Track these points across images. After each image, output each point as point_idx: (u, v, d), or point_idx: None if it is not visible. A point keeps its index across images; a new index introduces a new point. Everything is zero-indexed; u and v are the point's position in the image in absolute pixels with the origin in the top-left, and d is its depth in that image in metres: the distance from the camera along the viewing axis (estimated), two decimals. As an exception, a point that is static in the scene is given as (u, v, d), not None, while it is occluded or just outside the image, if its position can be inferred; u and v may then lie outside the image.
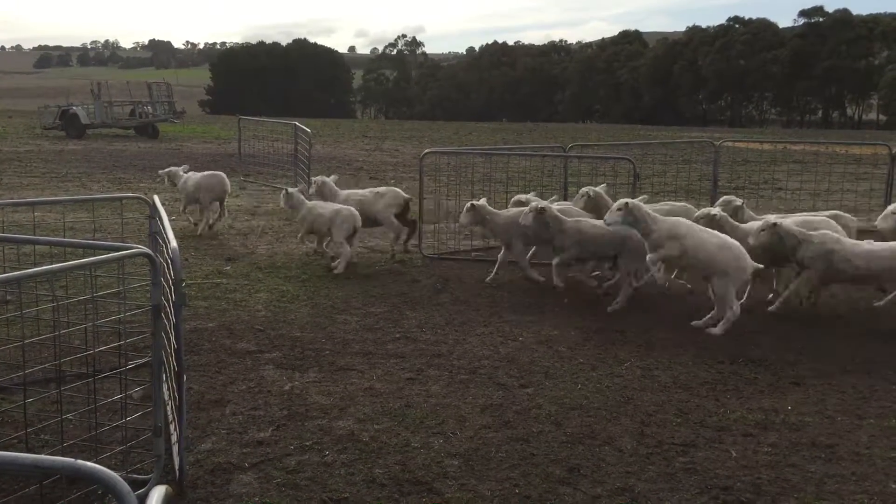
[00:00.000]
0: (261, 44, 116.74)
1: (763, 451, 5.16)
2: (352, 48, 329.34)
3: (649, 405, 5.89)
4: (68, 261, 4.20)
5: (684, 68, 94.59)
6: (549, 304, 8.58)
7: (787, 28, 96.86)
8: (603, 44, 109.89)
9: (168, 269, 4.57)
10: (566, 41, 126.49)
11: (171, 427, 4.77)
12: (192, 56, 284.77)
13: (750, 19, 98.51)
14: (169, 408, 4.88)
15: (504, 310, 8.36)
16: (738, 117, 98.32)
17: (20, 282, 3.99)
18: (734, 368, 6.75)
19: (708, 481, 4.74)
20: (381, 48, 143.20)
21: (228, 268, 9.83)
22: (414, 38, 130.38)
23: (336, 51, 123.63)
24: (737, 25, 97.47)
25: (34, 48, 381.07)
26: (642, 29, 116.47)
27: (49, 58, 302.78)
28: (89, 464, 1.72)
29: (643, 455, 5.06)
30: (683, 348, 7.24)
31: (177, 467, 4.49)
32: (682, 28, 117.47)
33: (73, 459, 1.76)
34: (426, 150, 12.53)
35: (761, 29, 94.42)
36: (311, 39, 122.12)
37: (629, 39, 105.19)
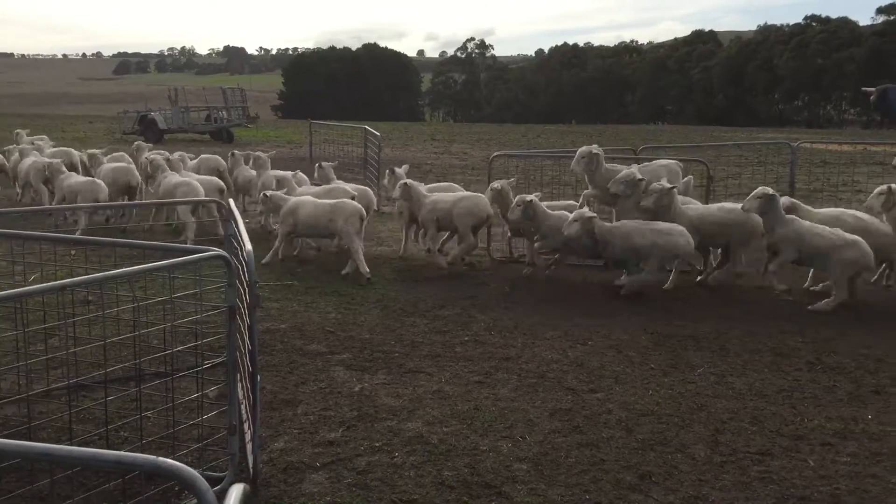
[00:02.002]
0: (332, 49, 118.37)
1: (842, 462, 5.01)
2: (421, 52, 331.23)
3: (723, 412, 5.77)
4: (147, 262, 4.33)
5: (759, 68, 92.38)
6: (619, 309, 8.47)
7: (867, 26, 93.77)
8: (675, 44, 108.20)
9: (243, 271, 4.67)
10: (637, 41, 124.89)
11: (245, 426, 4.87)
12: (266, 62, 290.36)
13: (827, 17, 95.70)
14: (243, 407, 4.98)
15: (573, 314, 8.29)
16: (816, 118, 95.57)
17: (102, 283, 4.12)
18: (812, 376, 6.57)
19: (784, 491, 4.62)
20: (450, 51, 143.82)
21: (300, 270, 9.98)
22: (483, 40, 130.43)
23: (405, 54, 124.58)
24: (813, 24, 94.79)
25: (114, 55, 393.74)
26: (715, 28, 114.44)
27: (128, 64, 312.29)
28: (170, 461, 1.77)
29: (717, 463, 4.96)
30: (759, 355, 7.07)
31: (250, 465, 4.58)
32: (755, 27, 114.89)
33: (154, 457, 1.81)
34: (495, 153, 12.53)
35: (839, 27, 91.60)
36: (382, 44, 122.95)
37: (702, 39, 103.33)
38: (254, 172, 13.41)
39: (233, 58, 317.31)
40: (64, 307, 5.62)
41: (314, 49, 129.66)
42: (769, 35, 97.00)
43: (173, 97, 34.74)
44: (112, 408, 4.93)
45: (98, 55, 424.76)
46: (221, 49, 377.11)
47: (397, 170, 11.36)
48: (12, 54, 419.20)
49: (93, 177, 12.78)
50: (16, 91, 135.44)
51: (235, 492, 1.77)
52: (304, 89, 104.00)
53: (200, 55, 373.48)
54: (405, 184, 10.26)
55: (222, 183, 12.60)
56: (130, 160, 14.56)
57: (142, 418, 4.64)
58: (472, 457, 4.97)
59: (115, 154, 15.23)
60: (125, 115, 36.22)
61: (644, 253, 8.70)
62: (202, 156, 14.19)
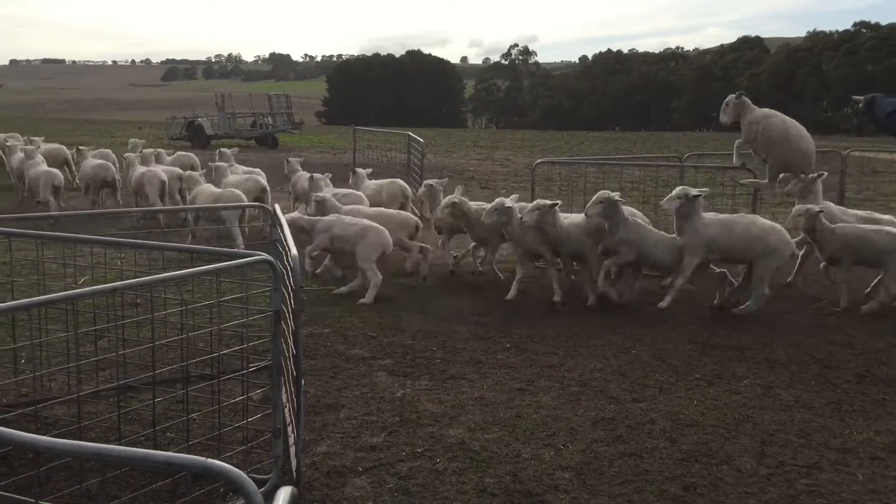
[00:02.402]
0: (376, 55, 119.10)
1: (892, 476, 4.89)
2: (464, 58, 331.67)
3: (770, 424, 5.67)
4: (194, 266, 4.39)
5: (807, 74, 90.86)
6: (663, 318, 8.39)
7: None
8: (721, 50, 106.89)
9: (288, 276, 4.72)
10: (682, 48, 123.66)
11: (289, 429, 4.91)
12: (311, 68, 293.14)
13: (877, 24, 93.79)
14: (287, 410, 5.02)
15: (616, 322, 8.23)
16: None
17: (152, 286, 4.20)
18: (861, 388, 6.43)
19: (833, 506, 4.53)
20: (493, 58, 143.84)
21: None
22: (526, 47, 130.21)
23: (448, 61, 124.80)
24: (863, 30, 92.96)
25: (162, 62, 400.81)
26: (762, 34, 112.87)
27: (176, 71, 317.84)
28: (219, 462, 1.80)
29: (763, 476, 4.88)
30: (806, 366, 6.95)
31: (294, 469, 4.61)
32: (803, 33, 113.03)
33: (202, 458, 1.84)
34: (538, 160, 12.49)
35: (890, 33, 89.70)
36: (426, 51, 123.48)
37: (749, 45, 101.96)
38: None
39: (278, 64, 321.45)
40: (114, 309, 5.72)
41: (358, 56, 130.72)
42: (818, 41, 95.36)
43: (220, 103, 35.26)
44: (159, 409, 5.00)
45: (147, 62, 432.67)
46: (267, 56, 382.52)
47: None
48: (63, 60, 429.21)
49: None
50: (67, 97, 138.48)
51: (283, 494, 1.79)
52: (347, 95, 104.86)
53: (247, 62, 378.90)
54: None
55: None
56: (114, 157, 16.46)
57: (188, 420, 4.69)
58: (515, 464, 4.95)
59: (101, 151, 17.04)
60: (173, 121, 36.86)
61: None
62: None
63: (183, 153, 17.44)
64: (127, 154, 15.63)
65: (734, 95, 9.87)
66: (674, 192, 8.70)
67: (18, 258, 6.13)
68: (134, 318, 5.93)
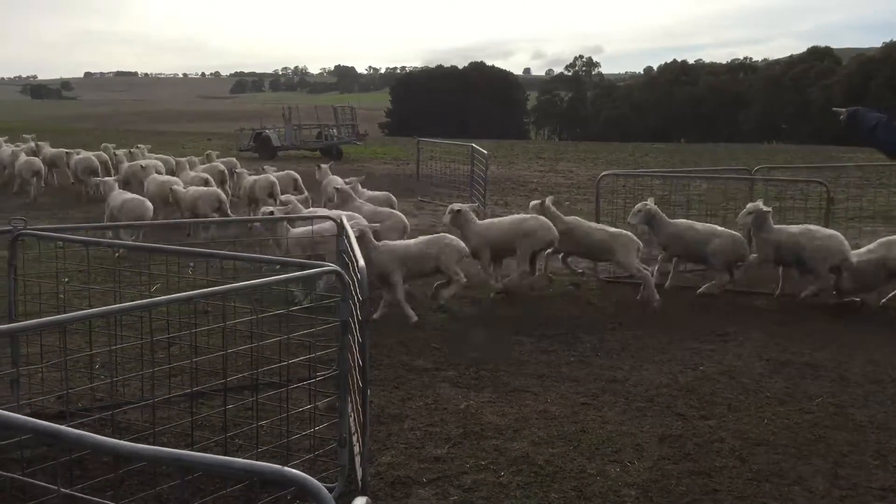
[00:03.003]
0: (439, 67, 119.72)
1: (976, 504, 4.71)
2: (527, 70, 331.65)
3: (843, 445, 5.52)
4: (262, 275, 4.47)
5: (882, 86, 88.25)
6: (733, 333, 8.22)
7: None
8: (791, 61, 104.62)
9: (355, 287, 4.76)
10: (750, 59, 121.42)
11: (354, 438, 4.95)
12: (374, 80, 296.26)
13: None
14: (352, 420, 5.07)
15: (683, 337, 8.10)
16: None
17: (225, 295, 4.29)
18: (941, 410, 6.21)
19: (911, 532, 4.38)
20: (556, 69, 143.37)
21: (407, 286, 10.08)
22: (590, 58, 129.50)
23: (511, 73, 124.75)
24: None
25: (231, 74, 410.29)
26: (833, 45, 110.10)
27: (244, 83, 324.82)
28: (296, 471, 1.83)
29: (836, 498, 4.75)
30: (881, 385, 6.74)
31: (359, 478, 4.65)
32: (879, 43, 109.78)
33: (279, 466, 1.87)
34: (603, 172, 12.39)
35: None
36: (489, 62, 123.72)
37: (819, 56, 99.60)
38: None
39: (343, 76, 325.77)
40: (186, 317, 5.85)
41: (422, 67, 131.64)
42: (893, 51, 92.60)
43: (287, 115, 35.80)
44: (227, 416, 5.09)
45: (216, 74, 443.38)
46: (332, 68, 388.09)
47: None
48: (136, 73, 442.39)
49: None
50: (139, 109, 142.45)
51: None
52: (410, 107, 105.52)
53: (312, 74, 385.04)
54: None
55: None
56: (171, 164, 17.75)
57: (258, 427, 4.77)
58: (579, 480, 4.90)
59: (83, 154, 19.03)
60: (241, 133, 37.54)
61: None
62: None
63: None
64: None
65: None
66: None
67: (95, 266, 6.32)
68: (206, 325, 6.05)
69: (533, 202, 10.29)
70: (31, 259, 6.17)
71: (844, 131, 5.62)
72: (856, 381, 6.82)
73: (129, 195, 12.65)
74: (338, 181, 13.26)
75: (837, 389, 6.64)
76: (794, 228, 9.47)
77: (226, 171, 16.65)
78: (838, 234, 9.27)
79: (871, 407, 6.24)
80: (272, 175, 14.87)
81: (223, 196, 13.46)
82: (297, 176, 15.58)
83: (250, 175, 14.84)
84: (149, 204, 12.27)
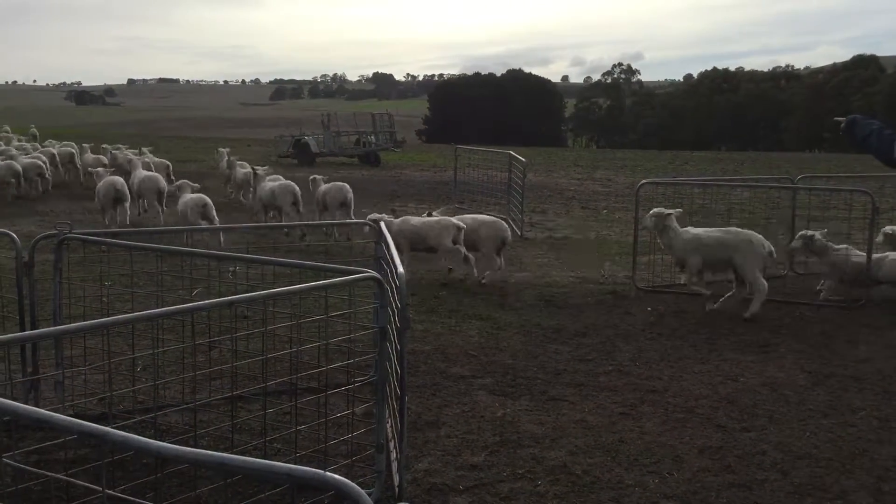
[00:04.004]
0: (476, 75, 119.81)
1: None
2: (565, 77, 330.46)
3: (887, 459, 5.40)
4: (302, 281, 4.50)
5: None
6: (774, 344, 8.11)
7: None
8: (834, 69, 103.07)
9: (393, 293, 4.78)
10: (792, 66, 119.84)
11: (391, 445, 4.96)
12: (412, 87, 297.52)
13: None
14: (389, 426, 5.08)
15: (723, 347, 8.00)
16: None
17: (265, 300, 4.32)
18: None
19: (960, 551, 4.27)
20: (595, 76, 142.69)
21: (444, 293, 10.11)
22: (629, 65, 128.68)
23: (549, 80, 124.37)
24: None
25: (270, 81, 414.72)
26: (879, 53, 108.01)
27: (283, 90, 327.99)
28: (338, 477, 1.83)
29: (882, 514, 4.65)
30: (928, 400, 6.59)
31: (396, 484, 4.66)
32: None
33: (322, 471, 1.87)
34: (643, 181, 12.30)
35: None
36: (527, 69, 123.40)
37: (864, 64, 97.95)
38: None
39: (381, 83, 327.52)
40: (227, 321, 5.91)
41: (459, 75, 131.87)
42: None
43: (326, 122, 36.08)
44: (267, 420, 5.13)
45: (256, 81, 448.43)
46: (371, 75, 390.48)
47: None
48: (178, 80, 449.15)
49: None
50: (181, 115, 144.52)
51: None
52: (448, 114, 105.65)
53: (351, 81, 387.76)
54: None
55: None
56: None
57: (296, 432, 4.80)
58: (618, 490, 4.86)
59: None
60: (281, 139, 37.91)
61: None
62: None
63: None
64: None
65: None
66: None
67: (137, 270, 6.40)
68: (246, 330, 6.11)
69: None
70: (74, 262, 6.29)
71: (842, 139, 5.66)
72: (901, 395, 6.68)
73: (145, 173, 15.02)
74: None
75: (882, 402, 6.51)
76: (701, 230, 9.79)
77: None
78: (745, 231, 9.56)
79: (917, 421, 6.11)
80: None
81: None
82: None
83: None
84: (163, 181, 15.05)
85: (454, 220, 10.81)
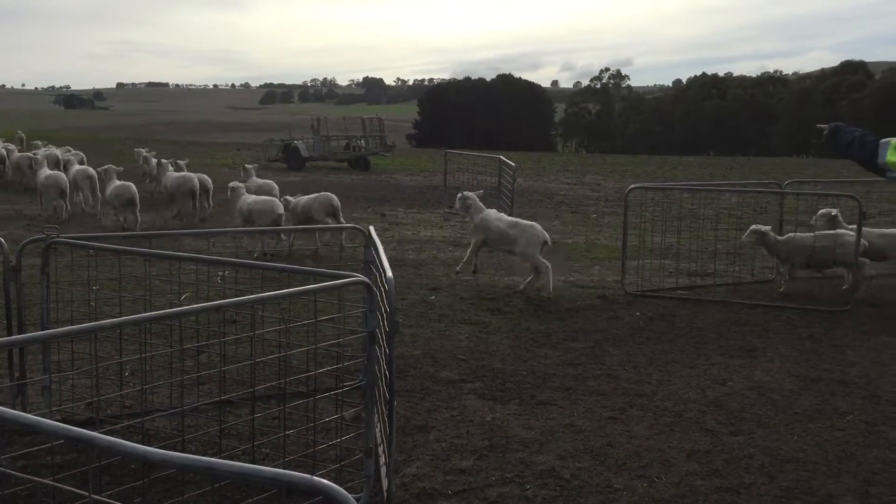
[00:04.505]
0: (467, 79, 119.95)
1: None
2: (555, 82, 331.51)
3: (874, 463, 5.43)
4: (290, 285, 4.49)
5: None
6: (761, 348, 8.14)
7: None
8: (822, 74, 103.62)
9: (382, 297, 4.78)
10: (781, 72, 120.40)
11: (380, 449, 4.96)
12: (402, 92, 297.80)
13: None
14: (378, 430, 5.07)
15: (711, 351, 8.03)
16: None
17: (253, 304, 4.32)
18: (976, 429, 6.09)
19: (946, 554, 4.29)
20: (584, 82, 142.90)
21: (433, 297, 10.11)
22: (618, 70, 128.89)
23: (539, 85, 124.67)
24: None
25: (260, 86, 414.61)
26: (867, 59, 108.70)
27: (273, 94, 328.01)
28: (325, 481, 1.83)
29: (868, 518, 4.67)
30: (915, 403, 6.63)
31: (384, 489, 4.65)
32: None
33: (309, 476, 1.87)
34: (632, 186, 12.35)
35: None
36: (517, 74, 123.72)
37: (851, 70, 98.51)
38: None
39: (371, 88, 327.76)
40: (215, 325, 5.89)
41: (449, 80, 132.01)
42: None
43: (316, 126, 36.03)
44: (255, 424, 5.12)
45: (246, 85, 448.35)
46: (361, 80, 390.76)
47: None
48: (167, 84, 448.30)
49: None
50: (170, 119, 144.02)
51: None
52: (438, 119, 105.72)
53: (341, 86, 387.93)
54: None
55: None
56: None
57: (285, 436, 4.79)
58: (606, 495, 4.87)
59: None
60: (270, 143, 37.85)
61: None
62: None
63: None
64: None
65: None
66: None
67: (125, 274, 6.38)
68: (234, 334, 6.09)
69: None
70: (62, 267, 6.26)
71: (824, 146, 5.79)
72: (887, 399, 6.72)
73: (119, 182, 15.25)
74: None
75: (868, 406, 6.54)
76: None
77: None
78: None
79: (903, 425, 6.14)
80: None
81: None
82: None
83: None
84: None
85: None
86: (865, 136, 5.37)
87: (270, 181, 16.19)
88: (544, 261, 10.25)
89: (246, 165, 16.63)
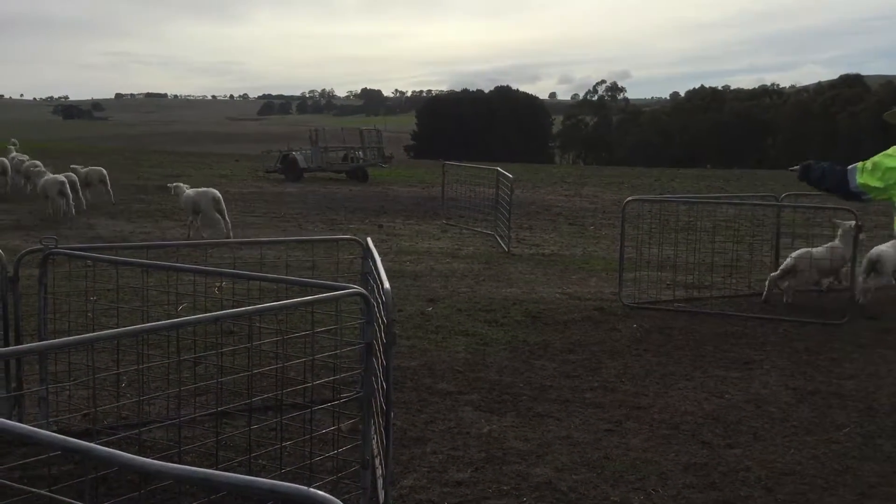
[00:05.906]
0: (465, 91, 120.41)
1: None
2: (553, 94, 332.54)
3: (871, 476, 5.44)
4: (287, 297, 4.50)
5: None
6: (758, 361, 8.15)
7: None
8: (819, 88, 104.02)
9: (380, 309, 4.78)
10: (778, 85, 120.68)
11: (377, 461, 4.95)
12: (401, 103, 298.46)
13: None
14: (375, 442, 5.07)
15: (708, 364, 8.04)
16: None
17: (251, 315, 4.33)
18: (972, 442, 6.10)
19: (942, 567, 4.29)
20: (582, 94, 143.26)
21: (431, 309, 10.11)
22: (615, 83, 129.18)
23: (537, 97, 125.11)
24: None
25: (258, 97, 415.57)
26: (863, 72, 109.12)
27: (271, 105, 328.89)
28: (322, 493, 1.84)
29: (865, 531, 4.67)
30: (911, 416, 6.64)
31: (381, 501, 4.65)
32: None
33: (305, 487, 1.88)
34: (629, 198, 12.38)
35: None
36: (515, 86, 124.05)
37: (849, 83, 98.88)
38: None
39: (369, 99, 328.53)
40: (213, 336, 5.90)
41: (447, 91, 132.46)
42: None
43: (314, 137, 36.02)
44: (252, 436, 5.12)
45: (245, 97, 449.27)
46: (359, 91, 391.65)
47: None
48: (166, 95, 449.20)
49: None
50: (168, 130, 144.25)
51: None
52: (436, 130, 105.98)
53: (339, 97, 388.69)
54: None
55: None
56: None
57: (282, 448, 4.79)
58: (603, 507, 4.87)
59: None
60: (268, 154, 37.86)
61: None
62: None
63: None
64: None
65: None
66: None
67: (122, 285, 6.39)
68: (232, 345, 6.09)
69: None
70: (60, 277, 6.27)
71: (800, 182, 6.02)
72: (884, 412, 6.73)
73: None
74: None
75: (865, 419, 6.55)
76: None
77: None
78: None
79: (900, 438, 6.15)
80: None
81: None
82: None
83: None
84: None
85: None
86: (834, 167, 5.61)
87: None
88: None
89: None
